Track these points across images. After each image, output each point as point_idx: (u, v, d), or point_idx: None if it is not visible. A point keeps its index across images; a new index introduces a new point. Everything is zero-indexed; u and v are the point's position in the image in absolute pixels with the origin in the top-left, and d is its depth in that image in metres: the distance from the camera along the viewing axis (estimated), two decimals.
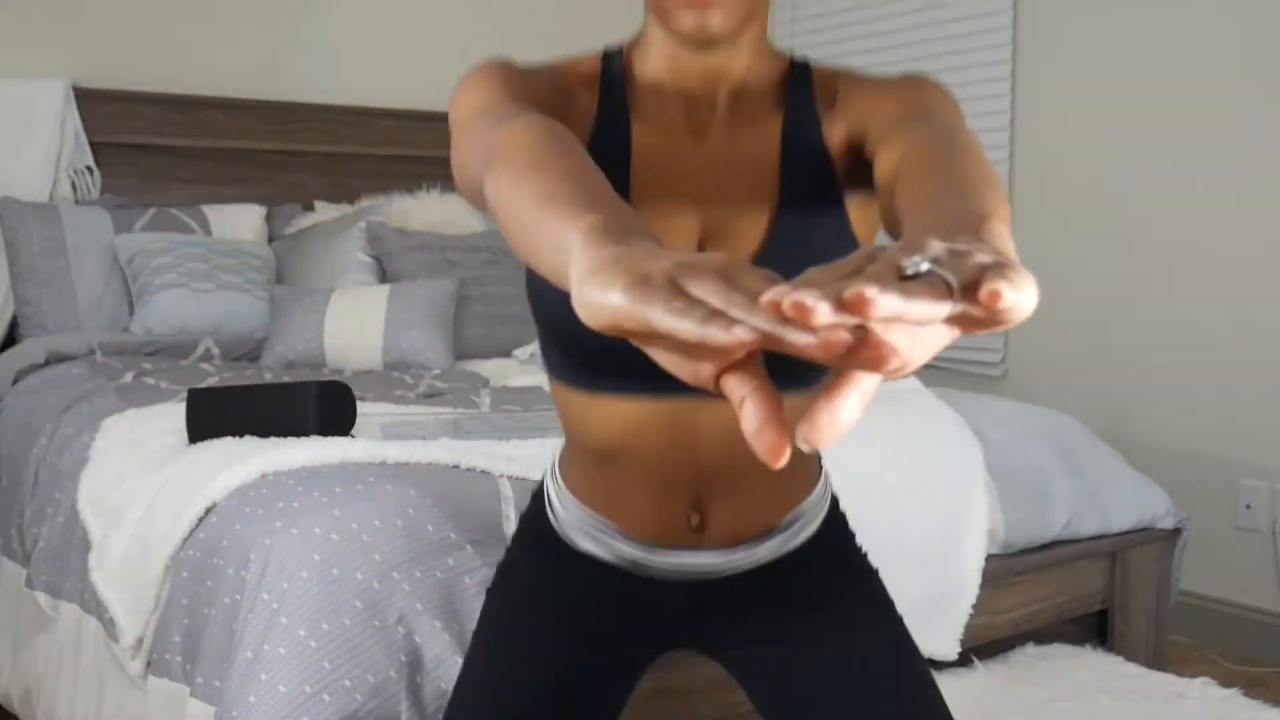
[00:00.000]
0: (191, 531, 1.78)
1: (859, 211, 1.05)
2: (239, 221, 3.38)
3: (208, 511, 1.78)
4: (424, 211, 3.59)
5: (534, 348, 3.29)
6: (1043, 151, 3.54)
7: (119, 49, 3.38)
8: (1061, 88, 3.48)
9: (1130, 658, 2.32)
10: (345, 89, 3.75)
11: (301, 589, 1.53)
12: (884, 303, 0.46)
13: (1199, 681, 2.12)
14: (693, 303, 0.50)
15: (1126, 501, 2.44)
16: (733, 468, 1.06)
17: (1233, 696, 2.09)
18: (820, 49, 4.14)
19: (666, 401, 1.04)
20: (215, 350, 3.00)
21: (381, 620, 1.53)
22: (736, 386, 0.52)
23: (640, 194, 1.04)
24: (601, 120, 1.06)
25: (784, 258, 1.01)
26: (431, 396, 2.61)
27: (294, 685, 1.45)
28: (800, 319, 0.47)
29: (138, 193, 3.36)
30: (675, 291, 0.51)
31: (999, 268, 0.48)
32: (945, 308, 0.48)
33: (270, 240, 3.43)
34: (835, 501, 1.21)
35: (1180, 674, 2.21)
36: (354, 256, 3.33)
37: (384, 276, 3.36)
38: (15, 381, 2.76)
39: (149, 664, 1.79)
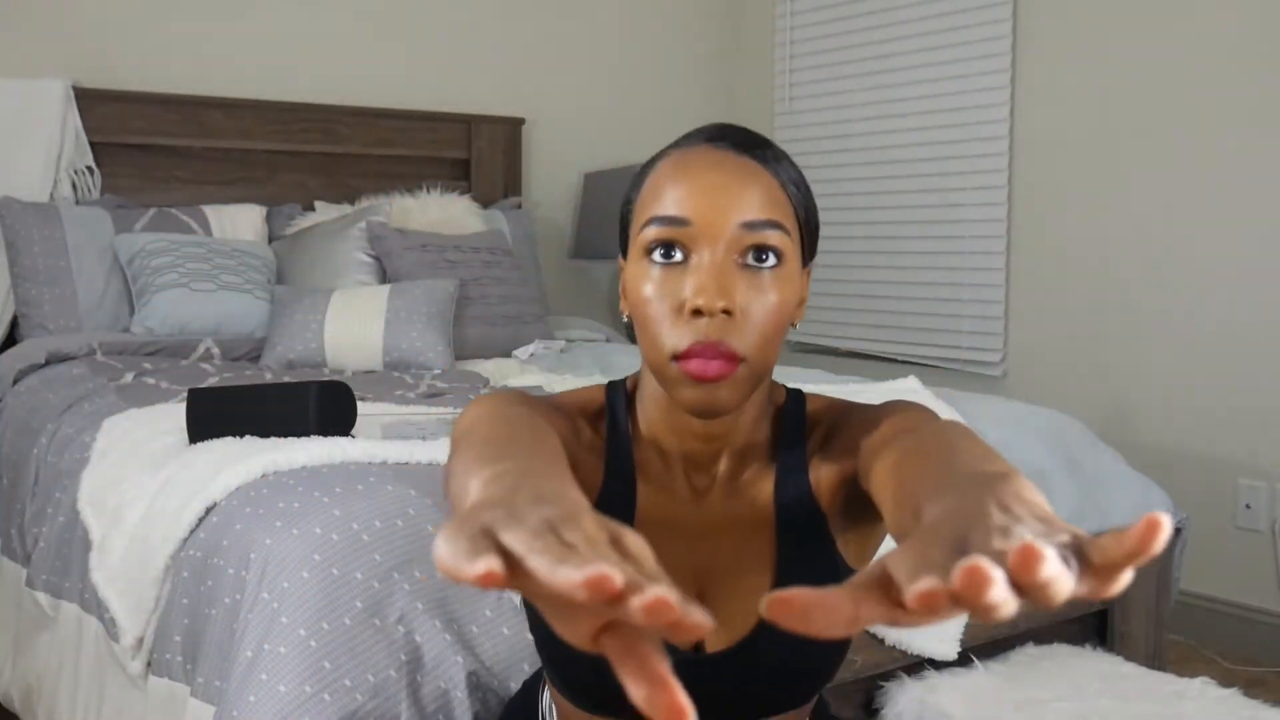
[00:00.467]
0: (192, 531, 1.78)
1: (851, 547, 1.07)
2: (239, 221, 3.38)
3: (208, 511, 1.78)
4: (424, 211, 3.59)
5: (534, 348, 3.29)
6: (1042, 152, 3.54)
7: (119, 49, 3.38)
8: (1061, 87, 3.48)
9: (1130, 658, 2.32)
10: (345, 89, 3.75)
11: (302, 589, 1.53)
12: (1051, 563, 0.48)
13: (1199, 681, 2.12)
14: (555, 541, 0.50)
15: (1126, 501, 2.44)
16: None
17: (1233, 696, 2.09)
18: (820, 48, 4.14)
19: None
20: (215, 350, 3.00)
21: (382, 620, 1.53)
22: (611, 647, 0.50)
23: None
24: (609, 476, 1.05)
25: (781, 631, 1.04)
26: (431, 396, 2.62)
27: (294, 685, 1.45)
28: (980, 584, 0.47)
29: (138, 193, 3.36)
30: (544, 531, 0.52)
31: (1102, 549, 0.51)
32: (1072, 581, 0.50)
33: (270, 240, 3.43)
34: None
35: (1180, 674, 2.21)
36: (354, 256, 3.33)
37: (384, 276, 3.36)
38: (15, 381, 2.76)
39: (149, 664, 1.79)
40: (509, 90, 4.07)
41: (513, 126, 4.06)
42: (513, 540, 0.51)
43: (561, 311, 4.06)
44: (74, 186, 3.24)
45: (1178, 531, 2.52)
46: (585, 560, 0.48)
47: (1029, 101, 3.56)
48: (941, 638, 2.04)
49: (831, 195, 4.10)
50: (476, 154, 3.97)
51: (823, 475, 1.05)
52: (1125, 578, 0.51)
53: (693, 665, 1.04)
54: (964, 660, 2.08)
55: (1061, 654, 2.24)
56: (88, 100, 3.25)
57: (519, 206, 3.96)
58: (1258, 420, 3.06)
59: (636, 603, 0.46)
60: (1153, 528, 0.49)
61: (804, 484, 1.05)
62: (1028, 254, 3.59)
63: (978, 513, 0.55)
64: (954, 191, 3.74)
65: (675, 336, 0.94)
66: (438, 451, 1.88)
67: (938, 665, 2.05)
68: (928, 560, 0.51)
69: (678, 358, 0.94)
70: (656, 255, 0.96)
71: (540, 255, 3.92)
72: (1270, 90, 3.01)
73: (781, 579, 1.04)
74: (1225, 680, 2.23)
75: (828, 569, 1.05)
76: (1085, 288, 3.43)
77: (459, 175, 3.94)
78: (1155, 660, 2.45)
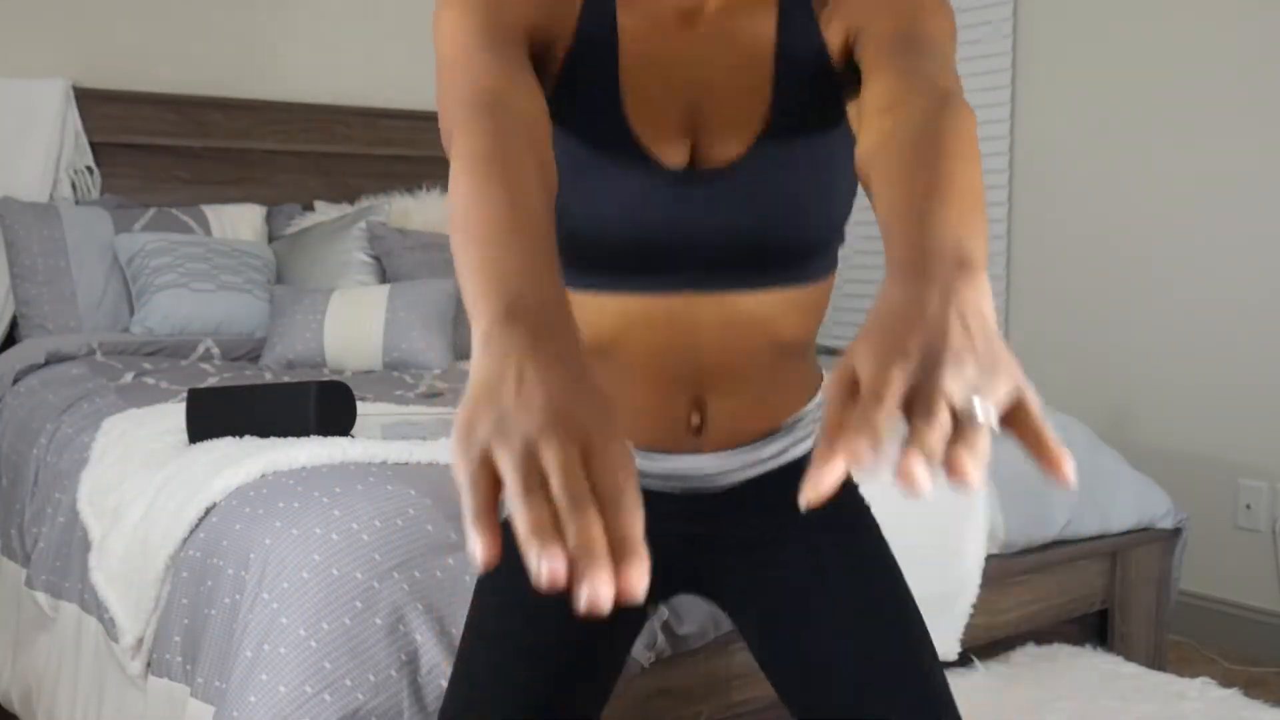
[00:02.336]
0: (191, 531, 1.78)
1: (855, 109, 1.00)
2: (239, 221, 3.38)
3: (208, 511, 1.78)
4: (424, 211, 3.59)
5: None
6: (1043, 151, 3.54)
7: (119, 49, 3.38)
8: (1061, 87, 3.48)
9: (1130, 658, 2.32)
10: (345, 89, 3.75)
11: (302, 589, 1.53)
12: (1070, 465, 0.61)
13: (1199, 681, 2.12)
14: (534, 496, 0.53)
15: (1126, 501, 2.44)
16: (733, 364, 1.05)
17: (1233, 696, 2.09)
18: None
19: (664, 298, 1.03)
20: (215, 350, 3.00)
21: (382, 620, 1.53)
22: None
23: (628, 87, 1.00)
24: (587, 7, 1.00)
25: (777, 155, 1.00)
26: (431, 396, 2.62)
27: (295, 685, 1.45)
28: (914, 485, 0.55)
29: (138, 193, 3.36)
30: (527, 468, 0.54)
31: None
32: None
33: (270, 240, 3.43)
34: None
35: (1180, 674, 2.21)
36: (354, 256, 3.33)
37: (384, 276, 3.36)
38: (15, 381, 2.75)
39: (149, 664, 1.79)
40: None
41: None
42: (504, 475, 0.54)
43: None
44: (74, 186, 3.24)
45: (1178, 531, 2.52)
46: (547, 540, 0.51)
47: (1029, 101, 3.56)
48: (942, 638, 2.04)
49: None
50: None
51: (830, 26, 0.99)
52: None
53: (684, 184, 1.01)
54: (964, 660, 2.08)
55: (1061, 654, 2.24)
56: (88, 100, 3.25)
57: None
58: (1258, 420, 3.06)
59: (581, 594, 0.50)
60: (1061, 463, 0.59)
61: (811, 21, 1.01)
62: (1028, 253, 3.59)
63: (940, 331, 0.59)
64: None
65: None
66: (438, 451, 1.88)
67: None
68: (887, 379, 0.57)
69: None
70: None
71: None
72: (1271, 91, 3.01)
73: (777, 112, 1.00)
74: (1225, 680, 2.23)
75: (827, 113, 1.01)
76: (1085, 287, 3.43)
77: None
78: (1155, 660, 2.45)
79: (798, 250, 1.04)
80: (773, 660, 1.11)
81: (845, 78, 0.99)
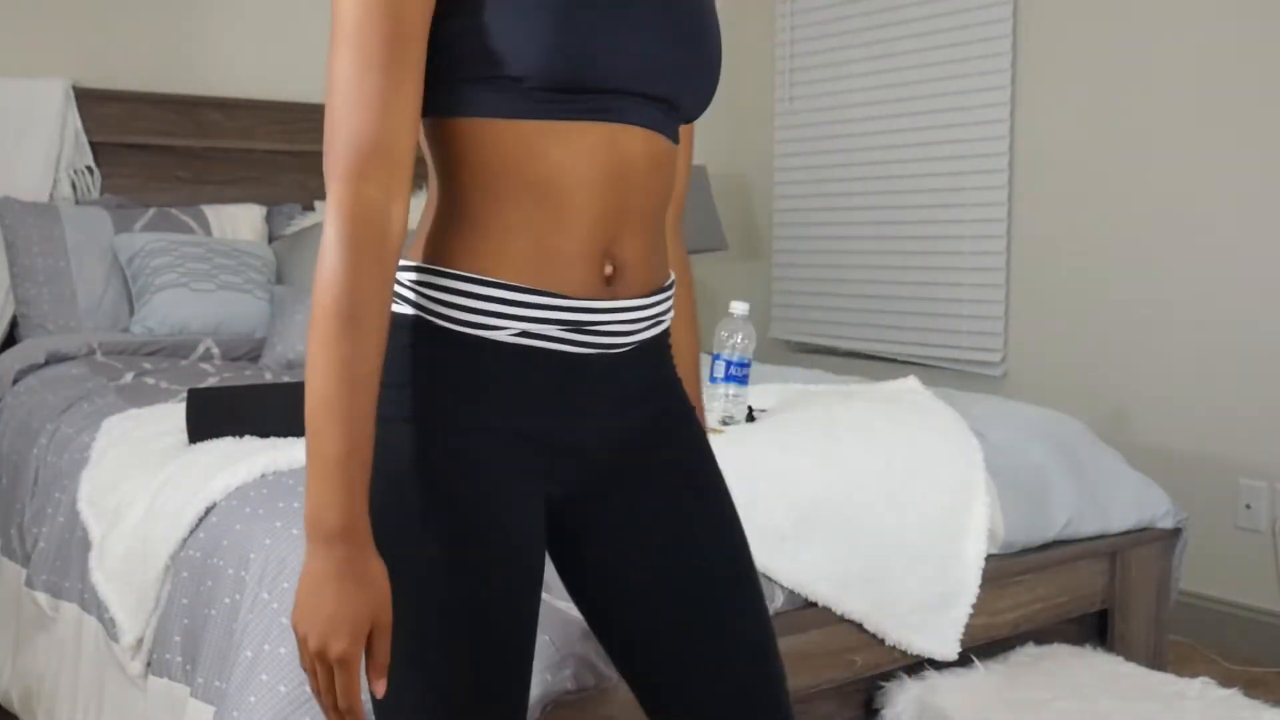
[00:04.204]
0: (191, 531, 1.78)
1: None
2: (239, 221, 3.38)
3: (208, 511, 1.78)
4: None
5: None
6: (1043, 150, 3.54)
7: (119, 49, 3.38)
8: (1061, 87, 3.48)
9: (1130, 658, 2.32)
10: None
11: None
12: None
13: (1199, 681, 2.12)
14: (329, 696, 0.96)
15: (1126, 501, 2.43)
16: (646, 206, 1.09)
17: (1233, 696, 2.09)
18: (820, 48, 4.14)
19: (615, 128, 1.06)
20: (215, 350, 3.00)
21: None
22: None
23: None
24: None
25: None
26: None
27: (295, 685, 1.45)
28: None
29: (138, 193, 3.36)
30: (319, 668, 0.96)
31: None
32: None
33: (270, 240, 3.43)
34: None
35: (1180, 674, 2.21)
36: None
37: None
38: (15, 381, 2.76)
39: (149, 664, 1.79)
40: None
41: None
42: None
43: None
44: (74, 186, 3.24)
45: (1178, 531, 2.52)
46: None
47: (1029, 102, 3.56)
48: (941, 638, 2.04)
49: (831, 195, 4.10)
50: None
51: None
52: None
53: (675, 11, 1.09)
54: (964, 660, 2.08)
55: (1061, 654, 2.24)
56: (88, 100, 3.25)
57: None
58: (1258, 420, 3.06)
59: None
60: None
61: None
62: (1028, 254, 3.59)
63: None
64: (954, 191, 3.74)
65: None
66: None
67: (938, 665, 2.05)
68: None
69: None
70: None
71: None
72: (1271, 92, 3.01)
73: None
74: (1225, 680, 2.23)
75: None
76: (1085, 288, 3.43)
77: None
78: (1155, 660, 2.45)
79: (708, 99, 1.15)
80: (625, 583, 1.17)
81: None
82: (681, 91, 1.10)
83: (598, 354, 1.09)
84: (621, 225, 1.08)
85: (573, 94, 1.03)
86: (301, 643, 0.94)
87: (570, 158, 1.04)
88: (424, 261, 1.08)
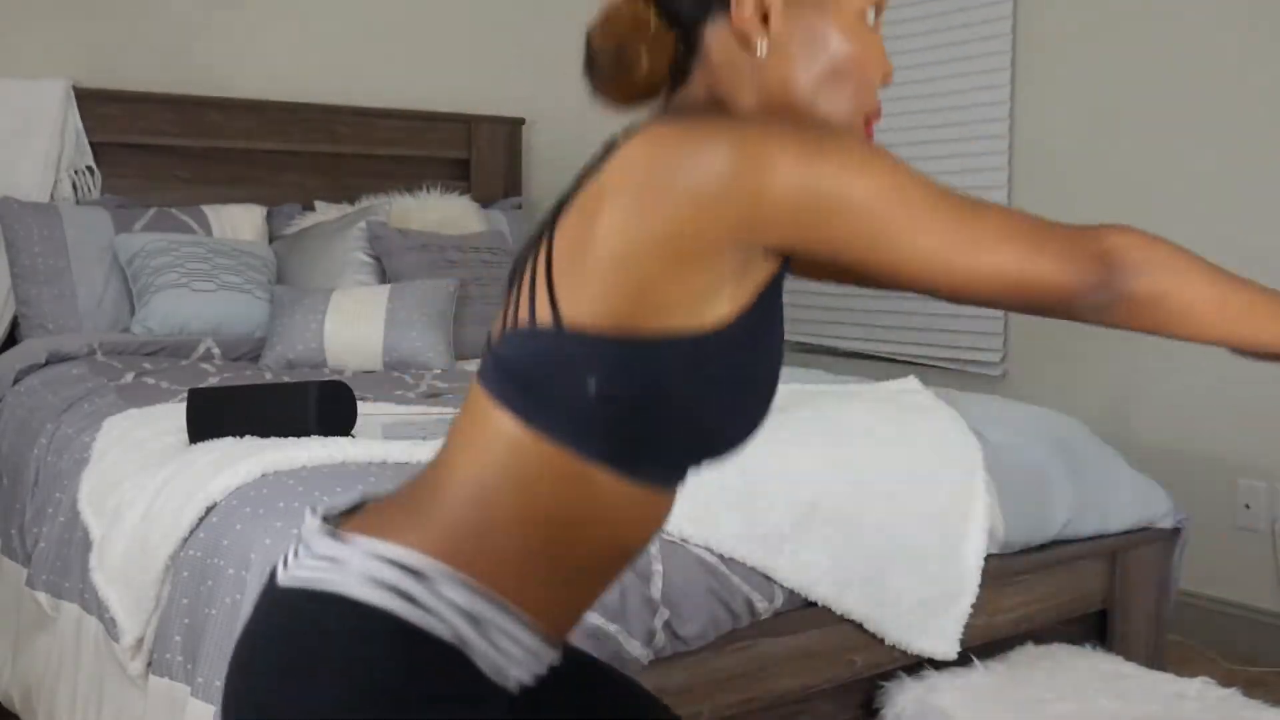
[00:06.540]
0: (192, 531, 1.78)
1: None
2: (239, 221, 3.39)
3: (208, 511, 1.78)
4: (424, 211, 3.59)
5: None
6: (1043, 150, 3.54)
7: (119, 49, 3.38)
8: (1061, 86, 3.48)
9: (1130, 658, 2.31)
10: (345, 89, 3.75)
11: None
12: None
13: (1199, 681, 2.12)
14: None
15: (1126, 501, 2.43)
16: (631, 560, 1.01)
17: (1233, 696, 2.09)
18: None
19: (670, 495, 1.00)
20: (215, 350, 3.00)
21: None
22: None
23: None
24: None
25: None
26: (431, 396, 2.62)
27: None
28: None
29: (138, 193, 3.36)
30: None
31: None
32: None
33: (270, 240, 3.43)
34: None
35: (1180, 674, 2.21)
36: (354, 256, 3.33)
37: (384, 276, 3.36)
38: (15, 381, 2.76)
39: (149, 664, 1.79)
40: (509, 90, 4.07)
41: (513, 126, 4.06)
42: None
43: None
44: (74, 186, 3.25)
45: (1177, 531, 2.52)
46: None
47: (1029, 101, 3.56)
48: (941, 638, 2.04)
49: None
50: (476, 154, 3.97)
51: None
52: None
53: None
54: (964, 660, 2.08)
55: (1061, 654, 2.24)
56: (88, 100, 3.25)
57: (519, 206, 3.96)
58: (1258, 420, 3.06)
59: None
60: None
61: None
62: None
63: None
64: None
65: (873, 99, 1.01)
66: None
67: (938, 665, 2.05)
68: None
69: (867, 120, 1.02)
70: (870, 17, 1.00)
71: None
72: (1272, 91, 3.01)
73: None
74: (1225, 680, 2.23)
75: None
76: None
77: (459, 175, 3.94)
78: (1155, 660, 2.45)
79: None
80: None
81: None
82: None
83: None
84: (608, 583, 1.00)
85: (681, 464, 0.97)
86: None
87: (646, 526, 0.98)
88: (440, 559, 0.91)
